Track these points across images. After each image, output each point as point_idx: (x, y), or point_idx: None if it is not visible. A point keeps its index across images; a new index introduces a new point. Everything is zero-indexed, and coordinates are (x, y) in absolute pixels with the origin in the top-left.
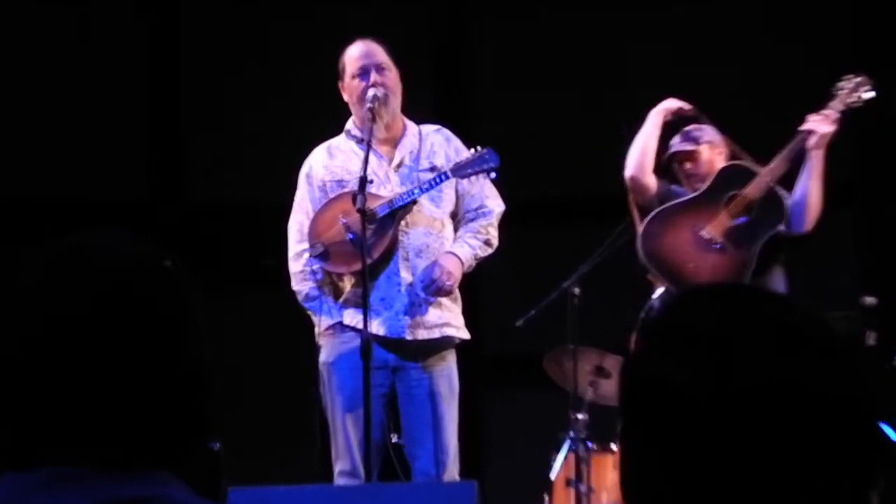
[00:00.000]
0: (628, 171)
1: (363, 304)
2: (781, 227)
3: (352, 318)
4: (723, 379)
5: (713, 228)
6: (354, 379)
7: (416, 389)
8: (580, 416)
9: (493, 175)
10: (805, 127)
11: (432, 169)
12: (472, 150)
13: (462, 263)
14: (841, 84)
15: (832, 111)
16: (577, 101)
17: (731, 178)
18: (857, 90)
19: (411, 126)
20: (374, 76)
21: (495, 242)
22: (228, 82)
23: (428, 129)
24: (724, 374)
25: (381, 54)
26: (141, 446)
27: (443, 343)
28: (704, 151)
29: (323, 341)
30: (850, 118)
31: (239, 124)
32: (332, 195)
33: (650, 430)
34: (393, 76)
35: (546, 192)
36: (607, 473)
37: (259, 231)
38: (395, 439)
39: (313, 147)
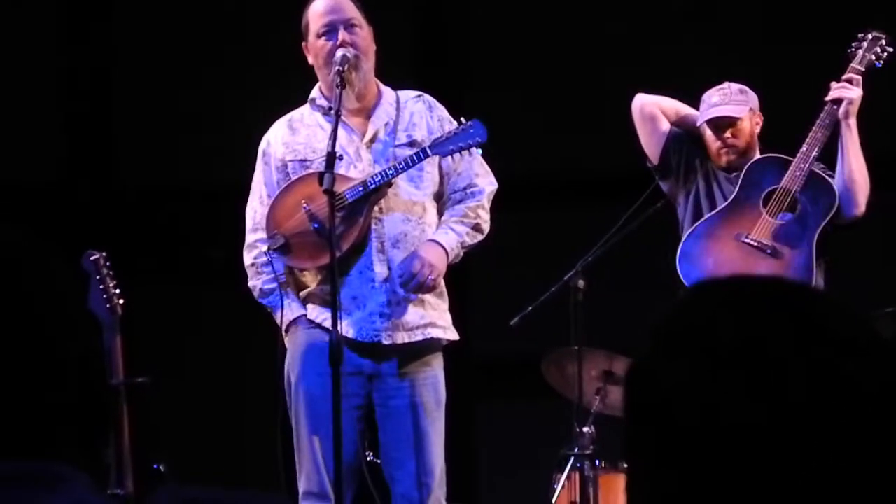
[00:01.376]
0: (648, 101)
1: (332, 303)
2: (833, 213)
3: (318, 314)
4: (741, 387)
5: (758, 233)
6: (323, 387)
7: (394, 400)
8: (586, 430)
9: (479, 151)
10: (830, 96)
11: (411, 144)
12: (456, 123)
13: (447, 253)
14: (855, 44)
15: (853, 74)
16: (582, 66)
17: (763, 173)
18: (874, 46)
19: (387, 93)
20: (342, 34)
21: (486, 227)
22: (165, 46)
23: (407, 95)
24: (743, 381)
25: (350, 9)
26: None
27: (426, 346)
28: (747, 120)
29: (287, 342)
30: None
31: (180, 94)
32: (293, 177)
33: (661, 447)
34: (365, 34)
35: (544, 169)
36: (617, 496)
37: (213, 217)
38: (370, 457)
39: (270, 120)
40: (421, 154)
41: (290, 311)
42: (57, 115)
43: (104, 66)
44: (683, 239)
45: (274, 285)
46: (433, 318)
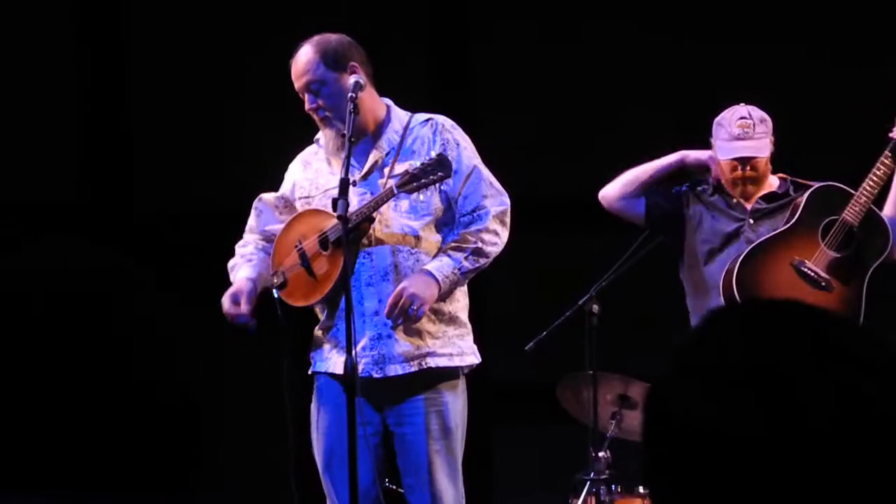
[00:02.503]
0: (611, 191)
1: (347, 327)
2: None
3: (323, 362)
4: (759, 414)
5: (816, 263)
6: (340, 416)
7: (404, 428)
8: (601, 454)
9: (448, 183)
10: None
11: (406, 174)
12: (420, 161)
13: (437, 281)
14: None
15: None
16: (597, 90)
17: (825, 201)
18: None
19: (396, 119)
20: (308, 104)
21: (492, 249)
22: (183, 66)
23: (417, 119)
24: (760, 408)
25: (309, 70)
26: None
27: (430, 375)
28: (767, 152)
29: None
30: None
31: (195, 119)
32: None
33: (677, 475)
34: (333, 86)
35: (558, 193)
36: None
37: (230, 239)
38: (388, 485)
39: (288, 143)
40: (388, 194)
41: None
42: (72, 136)
43: (119, 85)
44: (740, 260)
45: (239, 258)
46: (432, 348)
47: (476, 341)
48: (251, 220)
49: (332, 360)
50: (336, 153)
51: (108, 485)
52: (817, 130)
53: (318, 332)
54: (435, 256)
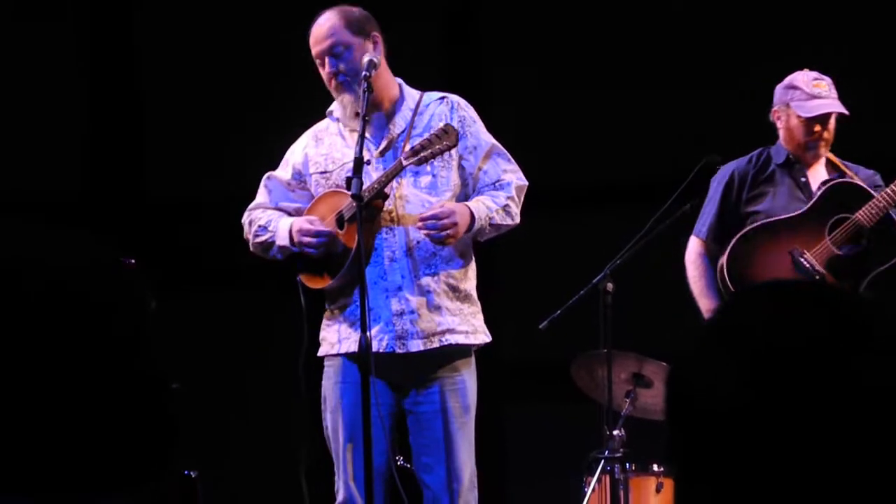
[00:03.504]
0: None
1: (361, 306)
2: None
3: (342, 342)
4: (781, 393)
5: (814, 255)
6: (357, 395)
7: (422, 406)
8: (616, 433)
9: (468, 159)
10: None
11: (414, 152)
12: (427, 134)
13: (472, 218)
14: None
15: None
16: (611, 72)
17: (840, 197)
18: None
19: (409, 97)
20: (328, 68)
21: (517, 216)
22: (191, 57)
23: (431, 98)
24: (783, 387)
25: (332, 34)
26: (92, 472)
27: (450, 352)
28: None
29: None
30: None
31: (203, 107)
32: (315, 188)
33: (700, 454)
34: (356, 51)
35: (572, 173)
36: (649, 499)
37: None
38: (400, 462)
39: (296, 133)
40: (397, 167)
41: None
42: (80, 126)
43: (128, 76)
44: (737, 238)
45: (267, 220)
46: (451, 325)
47: (489, 319)
48: (261, 197)
49: (351, 339)
50: (353, 119)
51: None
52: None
53: (332, 311)
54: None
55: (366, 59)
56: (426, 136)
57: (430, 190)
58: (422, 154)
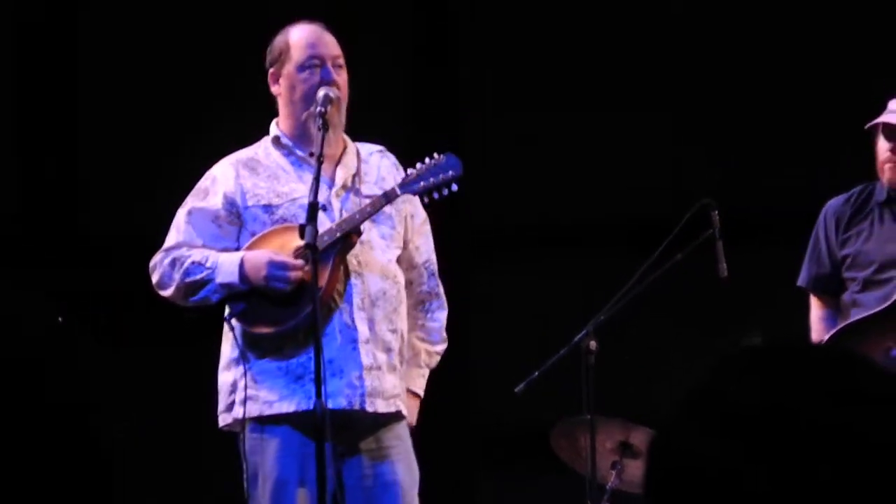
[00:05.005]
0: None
1: (316, 366)
2: None
3: (277, 396)
4: (764, 464)
5: None
6: (297, 470)
7: (370, 480)
8: None
9: (454, 188)
10: None
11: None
12: (426, 160)
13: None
14: None
15: None
16: (588, 113)
17: None
18: None
19: (350, 143)
20: (333, 74)
21: (445, 309)
22: (132, 89)
23: (370, 149)
24: (767, 456)
25: (336, 46)
26: None
27: (396, 418)
28: None
29: (248, 429)
30: None
31: (143, 137)
32: (252, 224)
33: None
34: (345, 78)
35: (551, 219)
36: None
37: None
38: None
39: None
40: (389, 194)
41: (239, 405)
42: (12, 162)
43: (65, 108)
44: (831, 332)
45: (200, 259)
46: (400, 389)
47: (461, 382)
48: (181, 235)
49: (297, 397)
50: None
51: None
52: None
53: (276, 363)
54: (411, 361)
55: (321, 93)
56: (423, 163)
57: (388, 242)
58: (421, 183)
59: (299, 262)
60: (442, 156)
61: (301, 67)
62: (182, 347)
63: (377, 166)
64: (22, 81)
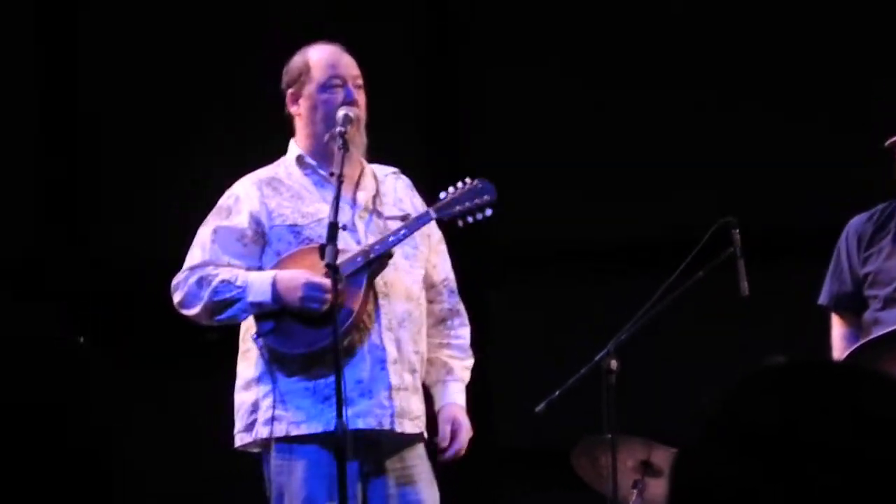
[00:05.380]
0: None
1: (337, 387)
2: None
3: (308, 421)
4: (782, 479)
5: None
6: (320, 490)
7: (396, 500)
8: None
9: (488, 212)
10: None
11: (403, 218)
12: (459, 184)
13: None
14: None
15: None
16: (609, 129)
17: None
18: None
19: (366, 165)
20: (354, 94)
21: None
22: (141, 108)
23: (385, 170)
24: (789, 475)
25: (355, 66)
26: None
27: (419, 439)
28: None
29: (273, 449)
30: None
31: (157, 160)
32: (278, 244)
33: None
34: (364, 99)
35: (571, 237)
36: None
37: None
38: None
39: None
40: (424, 218)
41: (267, 425)
42: (26, 186)
43: (73, 130)
44: (847, 356)
45: (228, 277)
46: (422, 411)
47: (482, 401)
48: (206, 254)
49: (325, 417)
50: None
51: None
52: None
53: (303, 384)
54: (449, 377)
55: (342, 112)
56: (457, 187)
57: (411, 262)
58: (457, 207)
59: (329, 283)
60: (476, 180)
61: (323, 88)
62: (192, 367)
63: (394, 188)
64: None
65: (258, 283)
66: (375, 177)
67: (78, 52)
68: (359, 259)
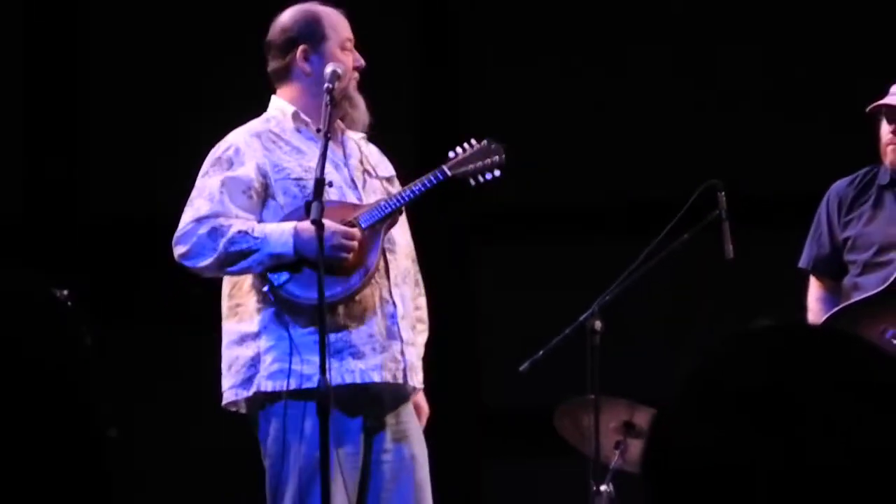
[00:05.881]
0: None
1: (321, 341)
2: None
3: (313, 369)
4: (762, 445)
5: None
6: (356, 445)
7: (391, 454)
8: (604, 488)
9: (497, 172)
10: None
11: (389, 180)
12: (468, 144)
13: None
14: None
15: None
16: (594, 92)
17: None
18: None
19: (343, 127)
20: (359, 60)
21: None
22: (136, 68)
23: (356, 135)
24: (775, 434)
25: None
26: None
27: (412, 395)
28: None
29: (286, 404)
30: None
31: (147, 116)
32: (285, 196)
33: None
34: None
35: (556, 199)
36: None
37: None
38: None
39: None
40: (439, 174)
41: (280, 378)
42: (16, 142)
43: (67, 91)
44: (829, 314)
45: (242, 229)
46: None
47: (465, 361)
48: (217, 206)
49: (342, 369)
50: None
51: None
52: None
53: (315, 337)
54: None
55: (329, 69)
56: (465, 147)
57: (404, 222)
58: (469, 166)
59: (356, 231)
60: (484, 140)
61: (342, 47)
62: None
63: (370, 153)
64: (22, 75)
65: (277, 234)
66: (353, 140)
67: (76, 23)
68: (376, 212)
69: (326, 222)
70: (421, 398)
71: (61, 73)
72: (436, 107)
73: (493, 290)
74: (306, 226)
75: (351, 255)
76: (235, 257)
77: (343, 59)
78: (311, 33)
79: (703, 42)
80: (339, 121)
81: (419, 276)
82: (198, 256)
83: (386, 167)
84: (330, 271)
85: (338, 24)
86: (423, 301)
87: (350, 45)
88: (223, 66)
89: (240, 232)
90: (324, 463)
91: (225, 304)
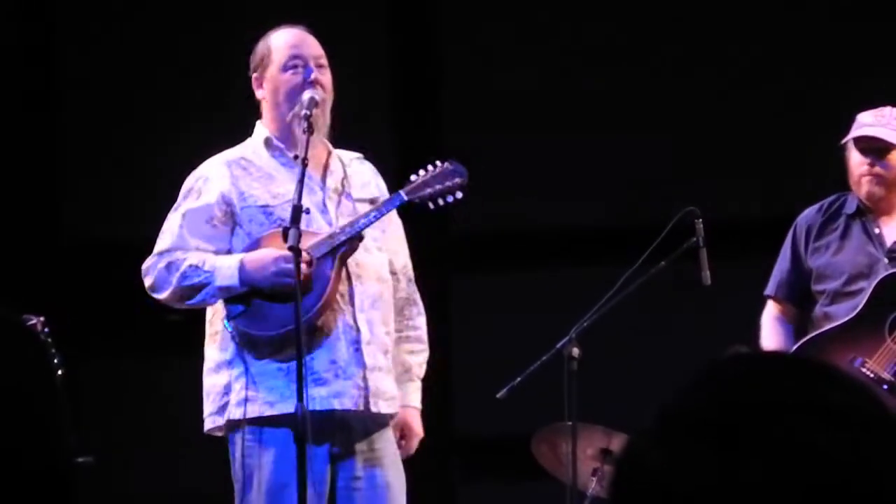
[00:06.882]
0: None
1: (298, 369)
2: None
3: (281, 401)
4: (728, 477)
5: (878, 362)
6: (291, 473)
7: (362, 482)
8: None
9: (459, 195)
10: None
11: (371, 201)
12: (429, 167)
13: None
14: None
15: None
16: (572, 116)
17: (893, 290)
18: None
19: (332, 149)
20: (315, 73)
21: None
22: (115, 88)
23: (350, 155)
24: (731, 470)
25: (318, 47)
26: None
27: (389, 421)
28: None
29: (244, 431)
30: None
31: (126, 142)
32: (249, 225)
33: None
34: (329, 79)
35: (533, 225)
36: None
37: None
38: None
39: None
40: (395, 200)
41: (239, 405)
42: None
43: (48, 109)
44: (798, 343)
45: (196, 262)
46: (396, 392)
47: (443, 388)
48: (176, 239)
49: (316, 396)
50: (313, 146)
51: None
52: None
53: (276, 364)
54: (406, 375)
55: (307, 95)
56: (426, 171)
57: (379, 244)
58: (427, 190)
59: (305, 256)
60: (446, 163)
61: (284, 68)
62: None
63: (359, 172)
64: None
65: (225, 268)
66: (342, 161)
67: (52, 43)
68: (329, 241)
69: (269, 249)
70: (412, 419)
71: (39, 96)
72: (411, 121)
73: (469, 317)
74: (253, 256)
75: (293, 281)
76: (189, 291)
77: (284, 79)
78: (259, 61)
79: (684, 69)
80: (324, 141)
81: (416, 296)
82: (159, 290)
83: (373, 188)
84: (279, 298)
85: (281, 45)
86: (421, 321)
87: (299, 62)
88: (206, 90)
89: (191, 266)
90: (301, 489)
91: (207, 330)
